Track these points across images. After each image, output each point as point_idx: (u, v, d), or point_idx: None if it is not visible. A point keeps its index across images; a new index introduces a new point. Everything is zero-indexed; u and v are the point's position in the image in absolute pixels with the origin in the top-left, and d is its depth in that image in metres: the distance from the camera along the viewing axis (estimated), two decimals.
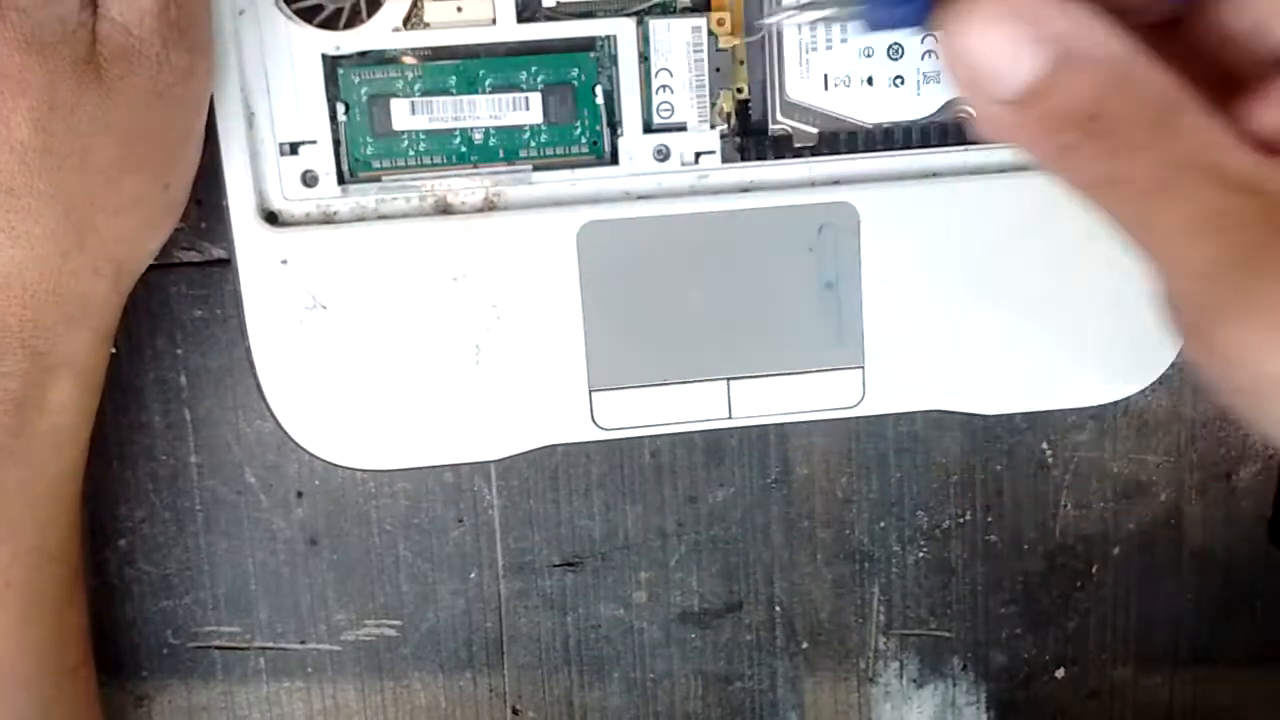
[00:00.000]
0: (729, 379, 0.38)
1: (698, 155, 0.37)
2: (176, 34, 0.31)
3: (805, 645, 0.44)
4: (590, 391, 0.38)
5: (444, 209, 0.37)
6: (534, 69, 0.36)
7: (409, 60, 0.36)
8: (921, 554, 0.43)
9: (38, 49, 0.29)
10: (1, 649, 0.34)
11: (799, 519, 0.43)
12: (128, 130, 0.31)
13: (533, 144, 0.37)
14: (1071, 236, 0.38)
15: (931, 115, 0.37)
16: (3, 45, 0.29)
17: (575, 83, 0.36)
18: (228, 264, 0.36)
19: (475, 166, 0.36)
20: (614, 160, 0.37)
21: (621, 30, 0.36)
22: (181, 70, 0.31)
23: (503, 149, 0.36)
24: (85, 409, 0.35)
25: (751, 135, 0.37)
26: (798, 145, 0.37)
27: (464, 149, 0.36)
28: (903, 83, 0.37)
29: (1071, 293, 0.38)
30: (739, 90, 0.37)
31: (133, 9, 0.30)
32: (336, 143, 0.36)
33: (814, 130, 0.37)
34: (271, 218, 0.36)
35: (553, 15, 0.35)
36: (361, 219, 0.36)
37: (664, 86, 0.36)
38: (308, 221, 0.36)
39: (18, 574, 0.34)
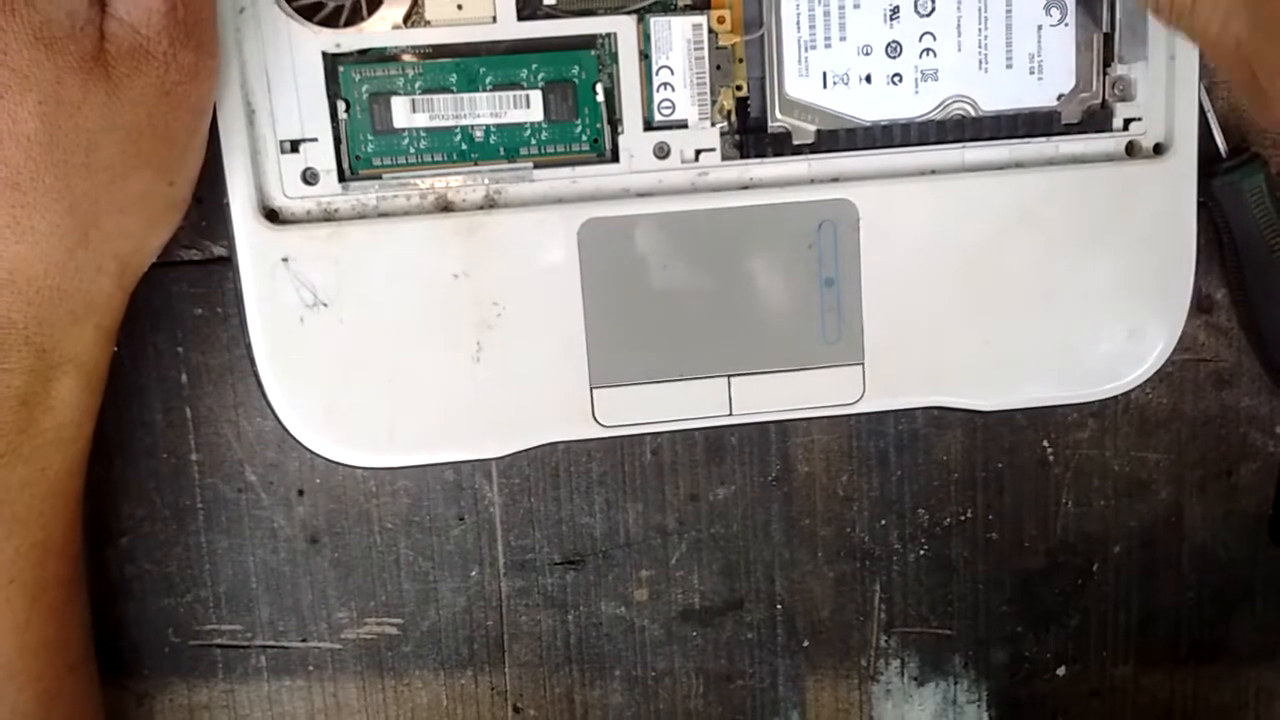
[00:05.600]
0: (729, 376, 0.38)
1: (698, 153, 0.37)
2: (183, 33, 0.31)
3: (806, 643, 0.44)
4: (591, 389, 0.38)
5: (445, 206, 0.37)
6: (535, 66, 0.36)
7: (409, 58, 0.36)
8: (922, 552, 0.43)
9: (46, 44, 0.29)
10: (4, 645, 0.34)
11: (800, 517, 0.43)
12: (134, 128, 0.31)
13: (533, 141, 0.37)
14: (1070, 233, 0.38)
15: (929, 113, 0.38)
16: (12, 39, 0.29)
17: (576, 80, 0.36)
18: (228, 262, 0.36)
19: (476, 164, 0.37)
20: (614, 158, 0.37)
21: (622, 28, 0.36)
22: (188, 69, 0.32)
23: (503, 147, 0.37)
24: (88, 406, 0.35)
25: (751, 133, 0.37)
26: (796, 143, 0.37)
27: (465, 147, 0.36)
28: (901, 80, 0.37)
29: (1070, 288, 0.38)
30: (738, 88, 0.37)
31: (140, 8, 0.30)
32: (337, 140, 0.36)
33: (812, 128, 0.37)
34: (272, 215, 0.36)
35: (553, 13, 0.36)
36: (362, 217, 0.37)
37: (665, 84, 0.36)
38: (308, 219, 0.36)
39: (21, 571, 0.34)
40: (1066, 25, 0.37)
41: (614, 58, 0.36)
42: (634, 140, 0.37)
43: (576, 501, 0.42)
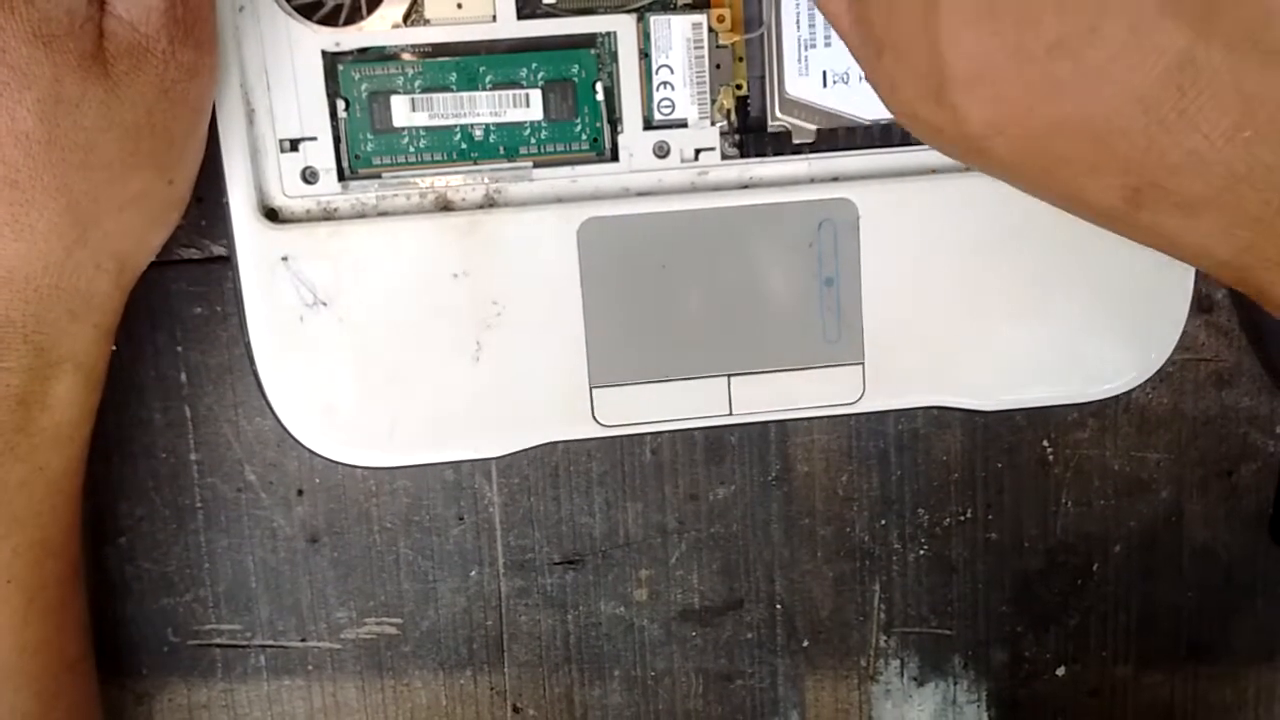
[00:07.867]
0: (729, 375, 0.38)
1: (698, 152, 0.37)
2: (183, 31, 0.31)
3: (806, 643, 0.44)
4: (591, 388, 0.38)
5: (444, 206, 0.37)
6: (534, 65, 0.36)
7: (409, 57, 0.36)
8: (922, 552, 0.43)
9: (44, 42, 0.29)
10: (1, 645, 0.34)
11: (799, 516, 0.43)
12: (133, 126, 0.31)
13: (533, 141, 0.37)
14: (1070, 232, 0.38)
15: None
16: (10, 37, 0.29)
17: (576, 79, 0.36)
18: (228, 261, 0.36)
19: (476, 163, 0.37)
20: (614, 157, 0.37)
21: (622, 27, 0.36)
22: (187, 67, 0.32)
23: (503, 146, 0.37)
24: (87, 405, 0.35)
25: (750, 132, 0.37)
26: (796, 142, 0.37)
27: (464, 146, 0.36)
28: None
29: (1071, 288, 0.38)
30: (738, 87, 0.37)
31: (140, 6, 0.30)
32: (337, 139, 0.36)
33: (812, 127, 0.37)
34: (272, 214, 0.36)
35: (553, 12, 0.36)
36: (362, 216, 0.36)
37: (664, 83, 0.36)
38: (308, 218, 0.36)
39: (19, 570, 0.34)
40: None
41: (614, 57, 0.36)
42: (634, 139, 0.37)
43: (576, 501, 0.42)
